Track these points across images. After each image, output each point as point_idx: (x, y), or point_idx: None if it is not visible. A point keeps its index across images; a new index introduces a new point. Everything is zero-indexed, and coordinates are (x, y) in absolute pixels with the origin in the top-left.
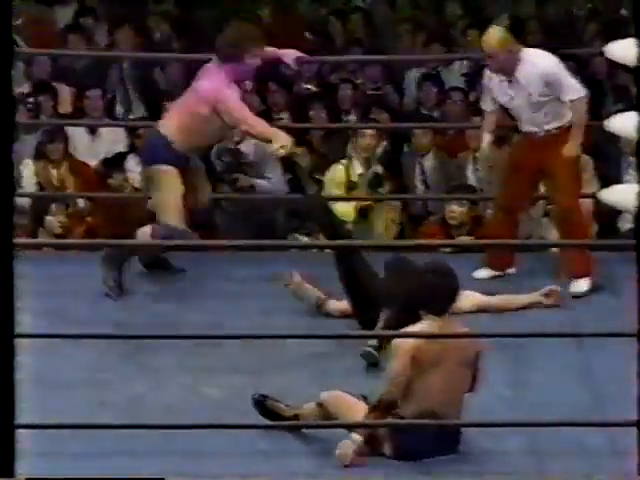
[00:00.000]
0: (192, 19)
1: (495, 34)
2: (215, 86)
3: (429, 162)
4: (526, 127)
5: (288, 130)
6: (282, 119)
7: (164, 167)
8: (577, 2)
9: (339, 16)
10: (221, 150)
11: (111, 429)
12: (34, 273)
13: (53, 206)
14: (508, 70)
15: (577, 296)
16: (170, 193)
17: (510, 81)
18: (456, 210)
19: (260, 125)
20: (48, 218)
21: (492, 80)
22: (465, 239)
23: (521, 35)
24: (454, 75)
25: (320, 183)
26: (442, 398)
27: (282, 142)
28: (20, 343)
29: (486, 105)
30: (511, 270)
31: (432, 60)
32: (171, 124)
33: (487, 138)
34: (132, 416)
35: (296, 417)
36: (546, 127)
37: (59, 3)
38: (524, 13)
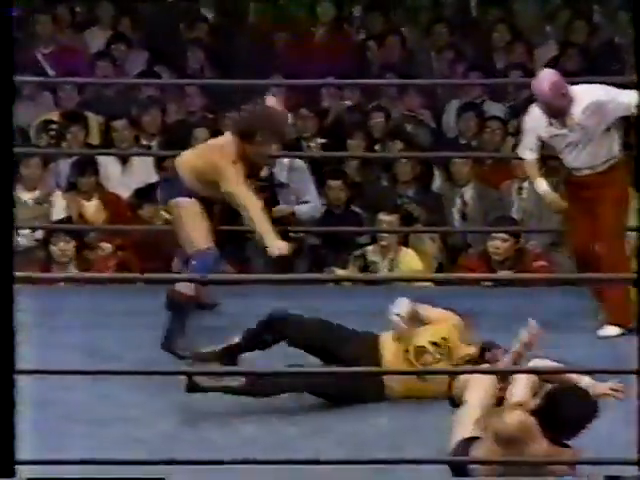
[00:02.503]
0: (226, 47)
1: (548, 76)
2: (223, 155)
3: (469, 193)
4: (576, 167)
5: (322, 159)
6: (314, 146)
7: (182, 200)
8: (620, 30)
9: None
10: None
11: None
12: (66, 306)
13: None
14: (563, 112)
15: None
16: (190, 223)
17: (562, 121)
18: (500, 246)
19: (260, 220)
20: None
21: (539, 122)
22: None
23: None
24: (496, 105)
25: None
26: None
27: (278, 247)
28: (50, 379)
29: (526, 153)
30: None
31: (475, 89)
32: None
33: (543, 183)
34: (162, 452)
35: None
36: (597, 165)
37: (90, 27)
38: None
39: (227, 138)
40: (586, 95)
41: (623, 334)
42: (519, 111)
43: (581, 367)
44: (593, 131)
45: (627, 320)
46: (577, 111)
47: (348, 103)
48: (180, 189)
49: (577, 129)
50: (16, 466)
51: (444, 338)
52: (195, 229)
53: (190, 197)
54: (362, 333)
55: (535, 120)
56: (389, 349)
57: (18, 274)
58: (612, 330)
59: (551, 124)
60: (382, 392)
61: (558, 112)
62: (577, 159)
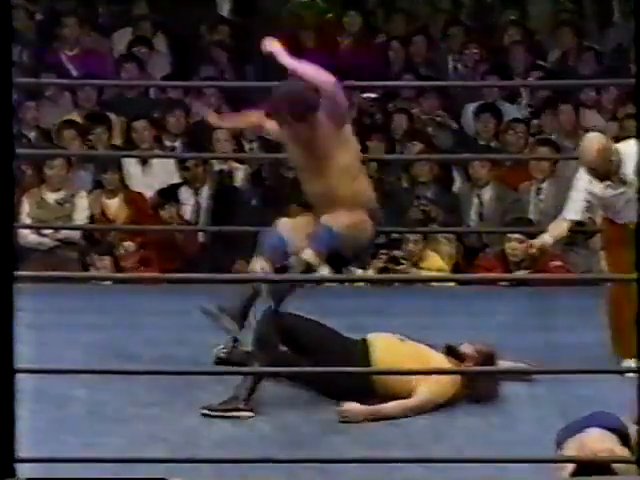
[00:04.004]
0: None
1: (595, 143)
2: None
3: (487, 194)
4: (632, 221)
5: None
6: None
7: None
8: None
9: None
10: None
11: (162, 463)
12: (86, 305)
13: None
14: (610, 175)
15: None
16: None
17: (618, 180)
18: (518, 247)
19: None
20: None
21: (594, 183)
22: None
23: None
24: (514, 107)
25: None
26: None
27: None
28: (72, 377)
29: (571, 214)
30: None
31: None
32: None
33: (550, 238)
34: (181, 450)
35: None
36: None
37: (116, 30)
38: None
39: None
40: (634, 151)
41: None
42: (537, 112)
43: (582, 368)
44: None
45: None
46: (629, 169)
47: (372, 96)
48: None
49: (633, 185)
50: (15, 465)
51: None
52: None
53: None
54: (349, 339)
55: (587, 183)
56: (379, 347)
57: (19, 273)
58: (631, 362)
59: (608, 185)
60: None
61: (605, 176)
62: (634, 213)
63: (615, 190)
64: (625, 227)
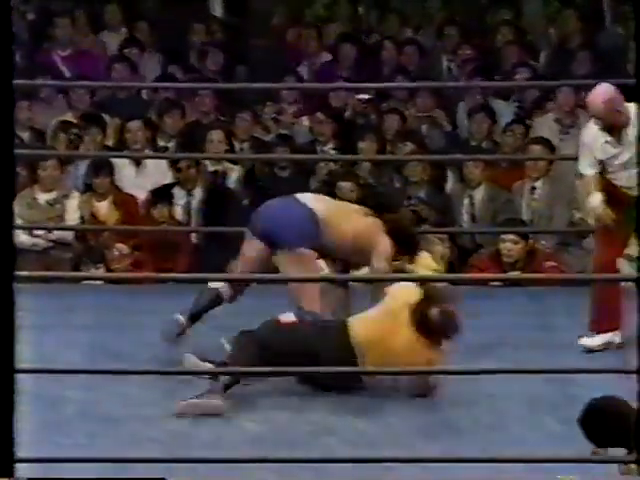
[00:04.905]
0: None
1: (603, 93)
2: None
3: (479, 194)
4: (629, 187)
5: (334, 162)
6: (328, 149)
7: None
8: (629, 31)
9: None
10: None
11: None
12: (82, 305)
13: None
14: (618, 128)
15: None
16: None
17: (618, 139)
18: (513, 248)
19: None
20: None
21: (595, 140)
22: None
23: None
24: (508, 107)
25: None
26: None
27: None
28: (66, 378)
29: (586, 169)
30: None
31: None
32: None
33: (598, 197)
34: (173, 451)
35: None
36: None
37: (108, 30)
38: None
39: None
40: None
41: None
42: (528, 111)
43: (576, 368)
44: None
45: (613, 326)
46: (633, 129)
47: (363, 97)
48: (312, 238)
49: (632, 148)
50: (16, 465)
51: None
52: (308, 287)
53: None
54: (328, 325)
55: (591, 137)
56: (362, 327)
57: (19, 273)
58: (597, 340)
59: (607, 142)
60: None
61: (612, 128)
62: (631, 179)
63: (614, 150)
64: (623, 194)
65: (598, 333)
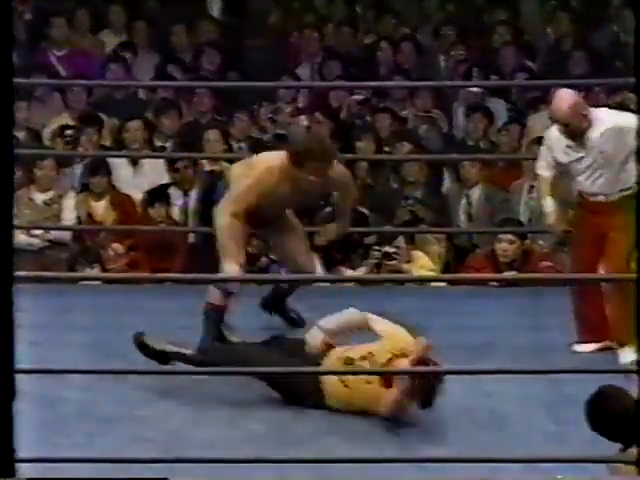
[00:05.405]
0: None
1: (568, 98)
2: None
3: (476, 194)
4: (591, 193)
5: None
6: None
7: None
8: (625, 29)
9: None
10: None
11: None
12: (79, 305)
13: None
14: (581, 133)
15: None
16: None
17: (580, 144)
18: (509, 248)
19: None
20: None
21: (557, 143)
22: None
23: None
24: (499, 101)
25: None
26: None
27: (228, 272)
28: (64, 378)
29: (541, 170)
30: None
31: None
32: None
33: (551, 202)
34: (171, 451)
35: None
36: (612, 193)
37: (106, 29)
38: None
39: (280, 156)
40: (606, 119)
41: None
42: (523, 110)
43: (571, 368)
44: (611, 157)
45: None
46: (595, 134)
47: (359, 98)
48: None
49: (594, 152)
50: (16, 465)
51: (371, 353)
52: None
53: None
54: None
55: (553, 141)
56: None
57: (18, 274)
58: (631, 353)
59: (569, 147)
60: (322, 400)
61: (576, 133)
62: (593, 185)
63: (576, 154)
64: (587, 199)
65: (587, 343)
